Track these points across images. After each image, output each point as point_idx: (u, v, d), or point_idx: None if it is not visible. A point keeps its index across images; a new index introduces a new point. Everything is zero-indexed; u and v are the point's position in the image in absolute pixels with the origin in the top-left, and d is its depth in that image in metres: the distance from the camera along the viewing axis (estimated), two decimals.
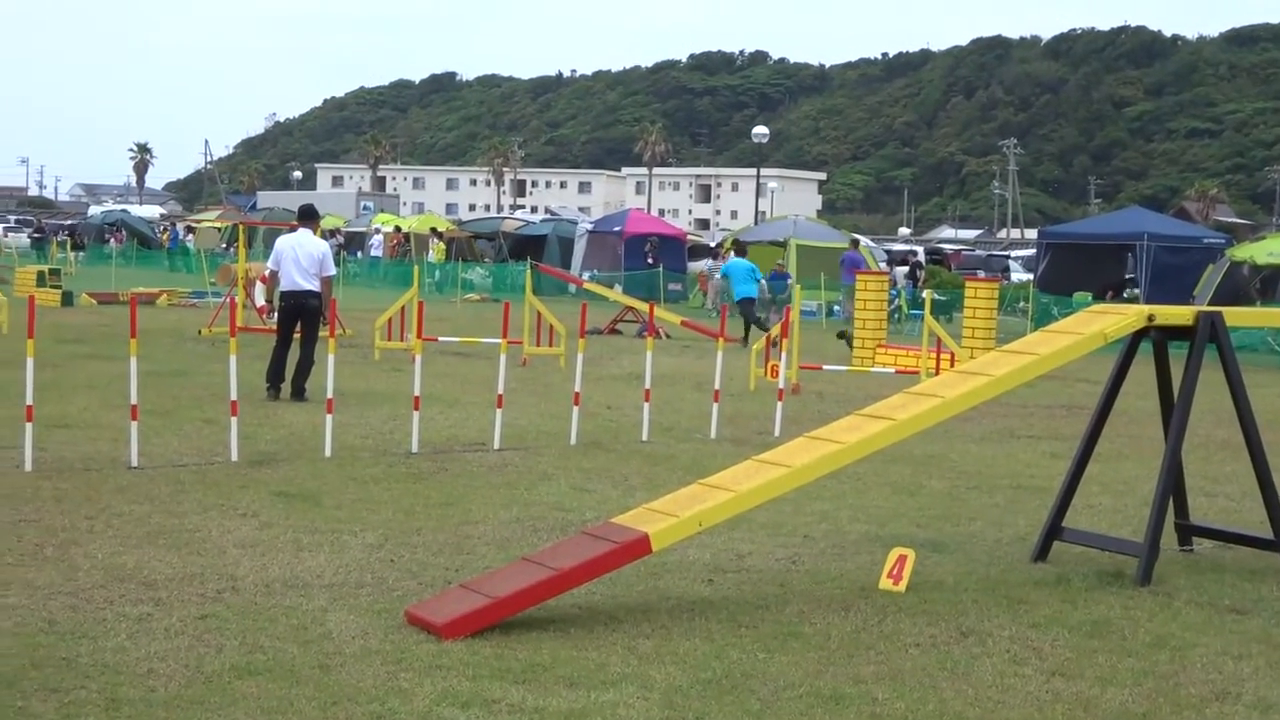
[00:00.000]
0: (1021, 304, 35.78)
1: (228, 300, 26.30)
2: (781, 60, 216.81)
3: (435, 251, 52.16)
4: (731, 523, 9.07)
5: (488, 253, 56.25)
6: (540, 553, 8.12)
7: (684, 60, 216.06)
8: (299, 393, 16.17)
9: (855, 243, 41.86)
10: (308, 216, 17.13)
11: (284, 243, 16.55)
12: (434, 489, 11.25)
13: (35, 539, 8.97)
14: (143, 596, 7.71)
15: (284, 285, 16.44)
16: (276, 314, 16.82)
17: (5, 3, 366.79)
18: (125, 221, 74.66)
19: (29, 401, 11.38)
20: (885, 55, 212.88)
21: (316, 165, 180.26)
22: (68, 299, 32.36)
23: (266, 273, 16.81)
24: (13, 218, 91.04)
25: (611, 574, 8.02)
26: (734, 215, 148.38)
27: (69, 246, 58.19)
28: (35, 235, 71.07)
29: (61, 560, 8.46)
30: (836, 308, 37.20)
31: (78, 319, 27.65)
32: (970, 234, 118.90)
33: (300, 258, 16.37)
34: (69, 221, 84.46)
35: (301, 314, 16.40)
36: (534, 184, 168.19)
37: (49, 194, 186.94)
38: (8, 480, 10.81)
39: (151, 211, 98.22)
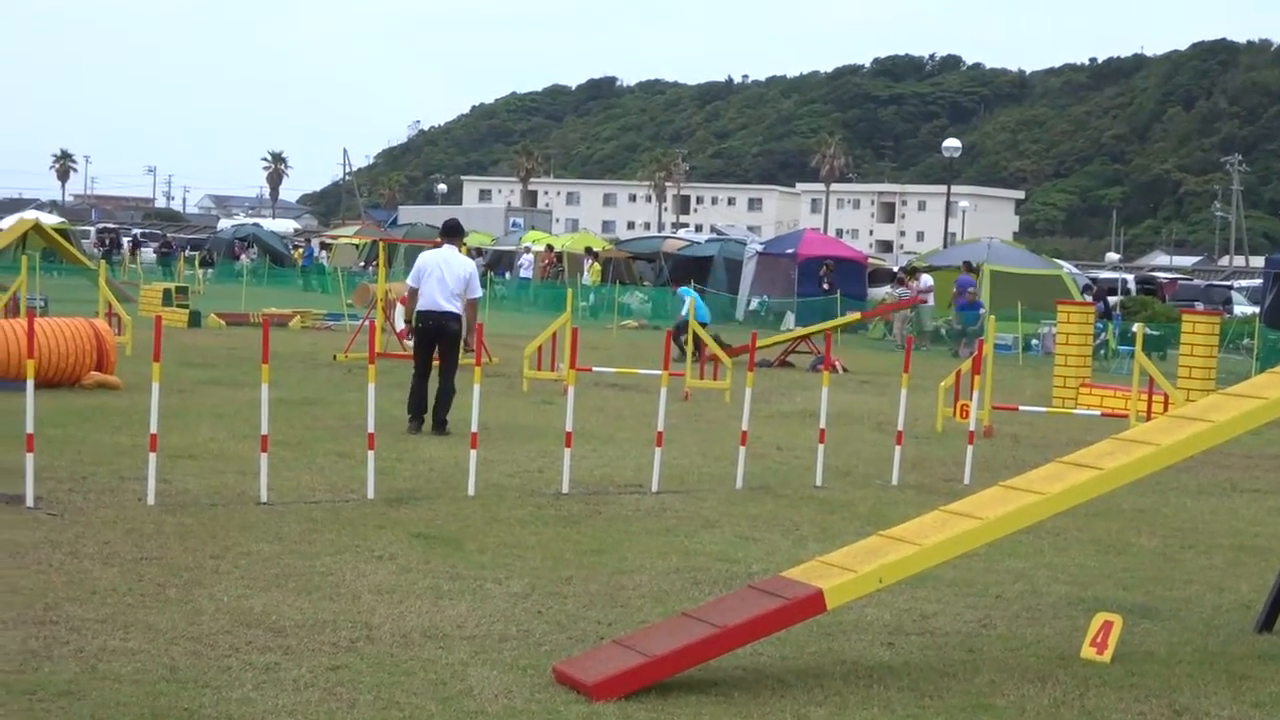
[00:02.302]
0: (1246, 341, 35.09)
1: (366, 324, 26.75)
2: (976, 66, 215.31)
3: (590, 273, 52.54)
4: (915, 580, 8.99)
5: (647, 275, 56.53)
6: (702, 608, 8.11)
7: (867, 65, 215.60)
8: (440, 425, 16.36)
9: (969, 266, 41.42)
10: (454, 233, 17.28)
11: (429, 259, 16.69)
12: (586, 534, 11.31)
13: (157, 578, 9.17)
14: (270, 644, 7.85)
15: (423, 305, 16.57)
16: (414, 336, 17.00)
17: (130, 7, 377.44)
18: (257, 236, 76.24)
19: (153, 430, 11.65)
20: (1093, 61, 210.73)
21: (463, 177, 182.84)
22: (195, 319, 33.11)
23: (407, 291, 16.97)
24: (138, 231, 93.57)
25: (780, 633, 7.99)
26: (920, 237, 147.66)
27: (197, 263, 59.55)
28: (162, 250, 72.95)
29: (185, 602, 8.64)
30: (1035, 341, 36.77)
31: (205, 341, 28.30)
32: (1187, 261, 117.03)
33: (445, 276, 16.51)
34: (199, 237, 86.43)
35: (440, 337, 16.55)
36: (699, 200, 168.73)
37: (177, 206, 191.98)
38: (130, 514, 11.07)
39: (285, 226, 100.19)
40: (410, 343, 17.19)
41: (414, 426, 16.37)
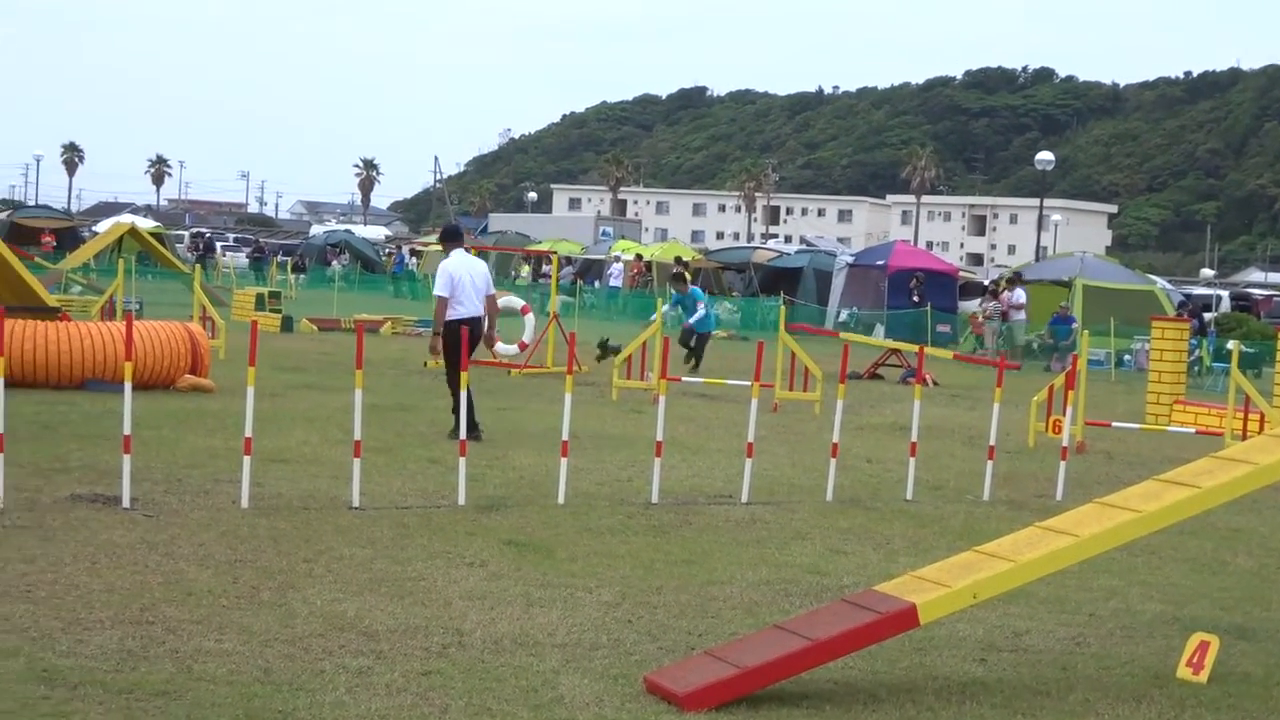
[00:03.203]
0: None
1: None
2: (1069, 78, 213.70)
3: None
4: (1007, 596, 8.93)
5: (736, 285, 56.50)
6: (794, 620, 8.09)
7: (959, 77, 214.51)
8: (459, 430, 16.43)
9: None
10: (458, 236, 17.86)
11: (457, 268, 16.79)
12: (676, 544, 11.31)
13: (252, 581, 9.25)
14: (363, 648, 7.90)
15: (465, 312, 16.62)
16: (447, 341, 16.60)
17: (227, 12, 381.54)
18: (349, 243, 76.85)
19: (248, 433, 11.75)
20: (1188, 74, 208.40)
21: (552, 186, 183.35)
22: (287, 324, 33.41)
23: (436, 299, 16.81)
24: (231, 236, 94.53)
25: (871, 648, 7.96)
26: (1011, 250, 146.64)
27: (289, 268, 60.06)
28: (254, 255, 73.65)
29: (278, 605, 8.71)
30: (1128, 357, 36.46)
31: (297, 345, 28.53)
32: None
33: (475, 281, 16.80)
34: (291, 243, 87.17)
35: (475, 341, 16.66)
36: (789, 211, 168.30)
37: (269, 211, 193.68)
38: (224, 517, 11.18)
39: (376, 233, 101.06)
40: (436, 353, 16.99)
41: (477, 434, 16.41)
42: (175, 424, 15.97)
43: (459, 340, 16.37)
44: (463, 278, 16.68)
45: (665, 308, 28.19)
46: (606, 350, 27.09)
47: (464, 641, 8.15)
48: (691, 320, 28.78)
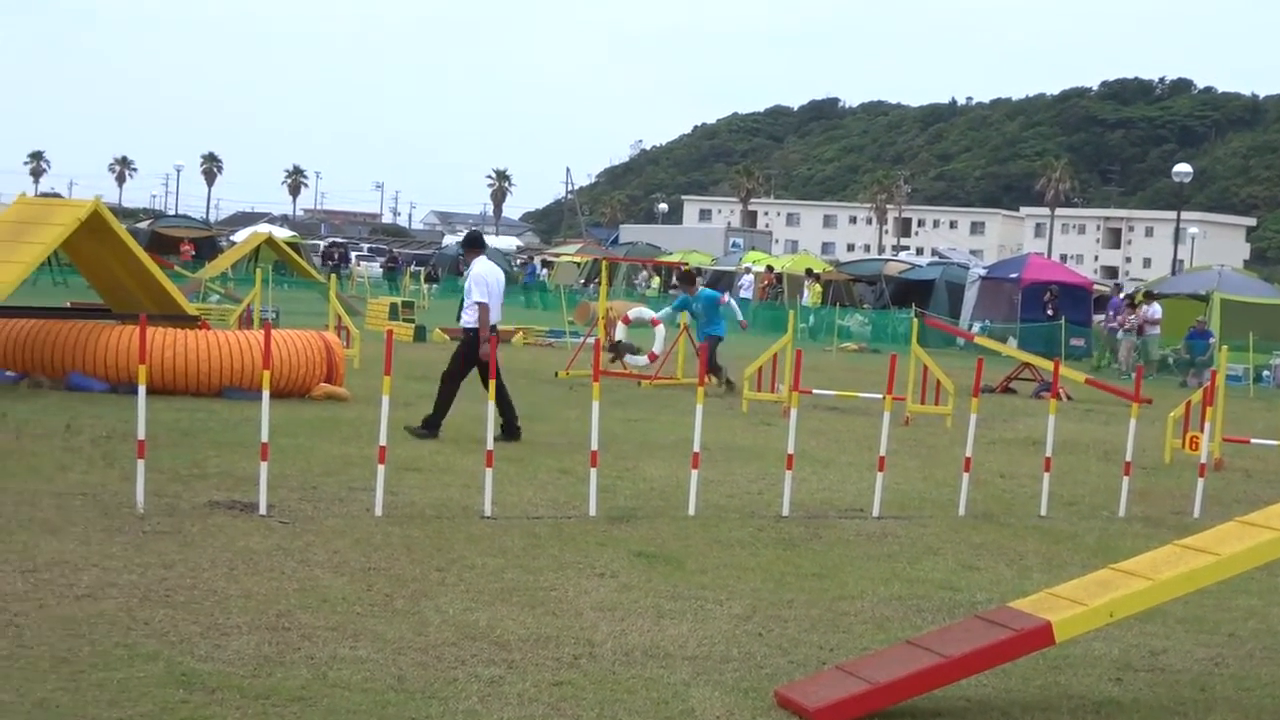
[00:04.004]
0: None
1: (588, 341, 26.98)
2: (1208, 89, 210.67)
3: (810, 294, 52.41)
4: (1144, 615, 8.80)
5: (867, 298, 56.25)
6: (926, 636, 8.03)
7: (1095, 88, 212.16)
8: (431, 429, 16.60)
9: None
10: (482, 244, 17.99)
11: (491, 274, 16.98)
12: (806, 557, 11.27)
13: (385, 589, 9.33)
14: (495, 657, 7.94)
15: (495, 318, 16.92)
16: (484, 348, 16.56)
17: (363, 27, 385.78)
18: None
19: (382, 442, 11.86)
20: None
21: (683, 197, 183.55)
22: (420, 334, 33.67)
23: (476, 304, 16.85)
24: (366, 246, 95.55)
25: (1005, 665, 7.88)
26: (1147, 264, 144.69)
27: (423, 278, 60.57)
28: (388, 265, 74.38)
29: (412, 613, 8.77)
30: (1266, 373, 35.85)
31: (430, 355, 28.66)
32: None
33: (501, 287, 17.17)
34: (424, 253, 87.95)
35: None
36: (920, 223, 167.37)
37: (403, 221, 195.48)
38: (358, 524, 11.29)
39: (508, 243, 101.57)
40: (488, 357, 17.09)
41: (517, 434, 16.61)
42: (311, 432, 16.16)
43: (491, 344, 16.58)
44: (494, 285, 16.91)
45: (666, 310, 27.63)
46: (620, 351, 26.27)
47: (595, 652, 8.17)
48: (714, 330, 25.51)
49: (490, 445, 12.12)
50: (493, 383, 13.25)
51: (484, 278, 16.83)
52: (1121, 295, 40.33)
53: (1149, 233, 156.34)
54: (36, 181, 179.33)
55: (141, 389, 11.47)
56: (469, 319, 16.93)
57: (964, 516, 13.50)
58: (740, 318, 26.98)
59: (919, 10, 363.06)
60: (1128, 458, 14.63)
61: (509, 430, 16.50)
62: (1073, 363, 36.88)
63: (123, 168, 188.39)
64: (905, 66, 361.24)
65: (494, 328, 16.81)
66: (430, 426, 16.53)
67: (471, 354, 16.78)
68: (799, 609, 9.56)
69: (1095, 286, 53.99)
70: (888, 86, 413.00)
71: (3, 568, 9.21)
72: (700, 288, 26.41)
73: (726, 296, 26.19)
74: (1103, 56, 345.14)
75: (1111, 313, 40.45)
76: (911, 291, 52.27)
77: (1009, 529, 13.13)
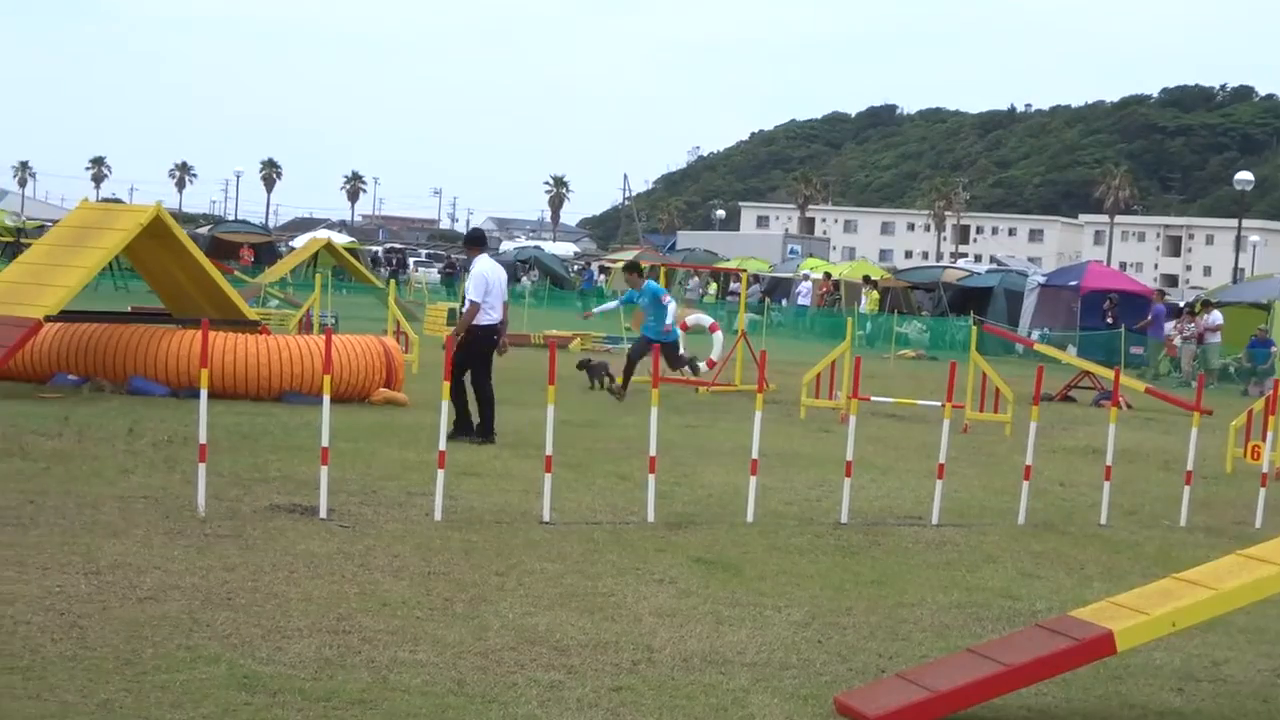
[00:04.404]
0: None
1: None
2: (1269, 97, 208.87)
3: (868, 301, 52.31)
4: (1206, 625, 8.73)
5: (925, 305, 56.09)
6: (987, 644, 8.00)
7: (1155, 95, 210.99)
8: (491, 433, 16.68)
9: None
10: (484, 242, 17.95)
11: (492, 272, 16.97)
12: (865, 565, 11.24)
13: (445, 593, 9.36)
14: (554, 662, 7.95)
15: (496, 317, 16.88)
16: (477, 348, 16.75)
17: (421, 35, 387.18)
18: (538, 259, 77.55)
19: (442, 447, 11.91)
20: None
21: (740, 204, 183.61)
22: None
23: (470, 304, 16.82)
24: (424, 252, 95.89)
25: (1066, 674, 7.84)
26: (1207, 272, 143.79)
27: None
28: (446, 271, 74.62)
29: (471, 617, 8.80)
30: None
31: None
32: None
33: (502, 287, 17.15)
34: None
35: (495, 347, 17.00)
36: (979, 230, 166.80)
37: (461, 227, 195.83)
38: (418, 529, 11.33)
39: (565, 249, 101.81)
40: (453, 353, 17.01)
41: (489, 437, 16.62)
42: (370, 437, 16.23)
43: (491, 345, 16.77)
44: (494, 284, 16.90)
45: (609, 304, 26.45)
46: (591, 369, 24.53)
47: (654, 658, 8.17)
48: (657, 328, 23.47)
49: (549, 451, 12.14)
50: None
51: (484, 276, 16.86)
52: (1165, 302, 40.06)
53: (1209, 240, 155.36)
54: (98, 187, 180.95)
55: (203, 393, 11.54)
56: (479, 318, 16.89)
57: (1024, 525, 13.44)
58: (669, 322, 23.62)
59: (978, 17, 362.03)
60: (1189, 467, 14.53)
61: (464, 428, 16.56)
62: (1132, 371, 36.68)
63: (183, 173, 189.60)
64: (964, 73, 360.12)
65: (495, 329, 16.82)
66: (486, 433, 16.59)
67: (476, 349, 16.76)
68: (858, 616, 9.54)
69: (1155, 295, 53.68)
70: (946, 93, 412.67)
71: (67, 570, 9.29)
72: (648, 281, 24.58)
73: (668, 297, 23.96)
74: (1163, 63, 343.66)
75: (1150, 318, 40.26)
76: (970, 299, 52.10)
77: (1069, 537, 13.06)
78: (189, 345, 19.09)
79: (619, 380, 22.95)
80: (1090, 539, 13.09)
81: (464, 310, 16.99)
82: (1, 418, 15.92)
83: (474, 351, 16.73)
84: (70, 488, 12.09)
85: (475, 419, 16.66)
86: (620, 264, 75.85)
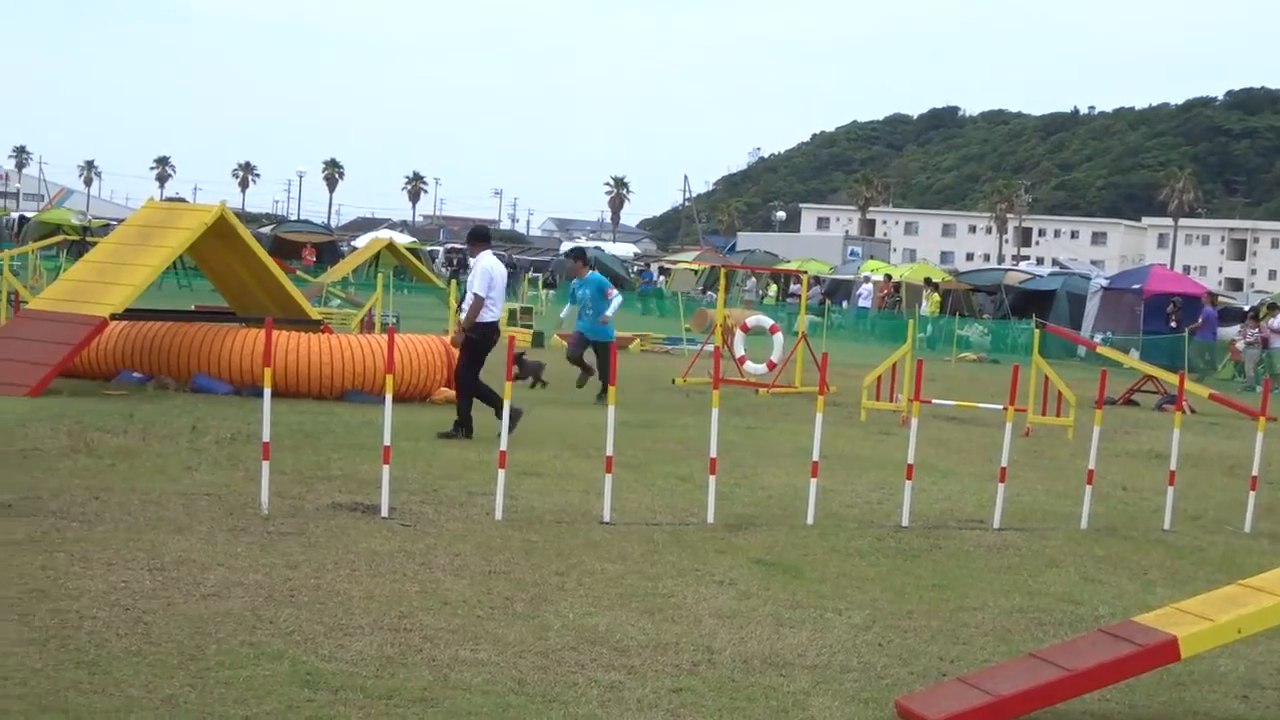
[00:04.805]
0: None
1: (706, 348, 26.96)
2: None
3: (929, 304, 52.12)
4: (1272, 632, 8.65)
5: (987, 307, 55.85)
6: (1050, 649, 7.96)
7: (1220, 97, 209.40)
8: (469, 429, 16.56)
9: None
10: (488, 238, 17.88)
11: (497, 269, 16.97)
12: (926, 568, 11.20)
13: (505, 592, 9.38)
14: (615, 663, 7.95)
15: (498, 314, 16.97)
16: (480, 346, 16.78)
17: (482, 39, 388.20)
18: (598, 259, 77.52)
19: (503, 446, 11.94)
20: None
21: (801, 205, 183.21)
22: (538, 339, 33.81)
23: (474, 297, 16.73)
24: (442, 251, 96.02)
25: (1129, 680, 7.78)
26: (1272, 275, 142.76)
27: (540, 284, 60.85)
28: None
29: (532, 617, 8.81)
30: None
31: (548, 360, 28.80)
32: None
33: (504, 284, 17.22)
34: (542, 259, 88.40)
35: (494, 344, 17.00)
36: (1041, 233, 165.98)
37: (521, 228, 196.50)
38: (478, 528, 11.36)
39: (625, 250, 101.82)
40: (458, 346, 16.95)
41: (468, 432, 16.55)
42: (431, 436, 16.27)
43: (490, 344, 16.77)
44: (498, 280, 16.92)
45: (567, 307, 24.01)
46: (524, 367, 22.90)
47: (714, 659, 8.17)
48: (593, 321, 21.78)
49: (610, 451, 12.14)
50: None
51: (490, 272, 16.83)
52: (1218, 306, 39.81)
53: (1275, 244, 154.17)
54: (162, 186, 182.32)
55: (267, 391, 11.61)
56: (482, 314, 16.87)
57: (1086, 529, 13.35)
58: (608, 314, 21.77)
59: (1041, 19, 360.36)
60: (1254, 472, 14.41)
61: (462, 424, 16.57)
62: (1196, 376, 36.41)
63: (246, 173, 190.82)
64: (1026, 75, 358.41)
65: (496, 326, 16.87)
66: (513, 420, 16.55)
67: (486, 348, 16.81)
68: (919, 620, 9.50)
69: (1219, 299, 53.27)
70: (1008, 95, 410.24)
71: (132, 565, 9.37)
72: (591, 271, 22.73)
73: (614, 291, 22.18)
74: (1229, 66, 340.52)
75: (1200, 321, 39.98)
76: (1032, 301, 51.84)
77: (1132, 542, 12.97)
78: (252, 344, 19.21)
79: (578, 384, 22.09)
80: (1153, 544, 12.99)
81: (467, 306, 16.81)
82: (68, 414, 16.07)
83: (482, 348, 16.77)
84: (135, 484, 12.20)
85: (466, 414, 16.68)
86: (680, 265, 76.13)
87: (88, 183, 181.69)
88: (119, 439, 14.63)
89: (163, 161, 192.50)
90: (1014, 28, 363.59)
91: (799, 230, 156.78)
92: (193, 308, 27.22)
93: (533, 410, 19.47)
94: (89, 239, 55.01)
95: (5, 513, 10.73)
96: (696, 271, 71.20)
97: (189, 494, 11.94)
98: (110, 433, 14.97)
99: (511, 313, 36.69)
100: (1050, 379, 22.51)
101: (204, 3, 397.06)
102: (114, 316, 19.21)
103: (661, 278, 73.53)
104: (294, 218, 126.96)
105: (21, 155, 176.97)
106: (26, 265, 41.90)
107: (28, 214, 79.47)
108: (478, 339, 16.72)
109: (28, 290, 27.87)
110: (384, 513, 11.51)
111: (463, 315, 16.99)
